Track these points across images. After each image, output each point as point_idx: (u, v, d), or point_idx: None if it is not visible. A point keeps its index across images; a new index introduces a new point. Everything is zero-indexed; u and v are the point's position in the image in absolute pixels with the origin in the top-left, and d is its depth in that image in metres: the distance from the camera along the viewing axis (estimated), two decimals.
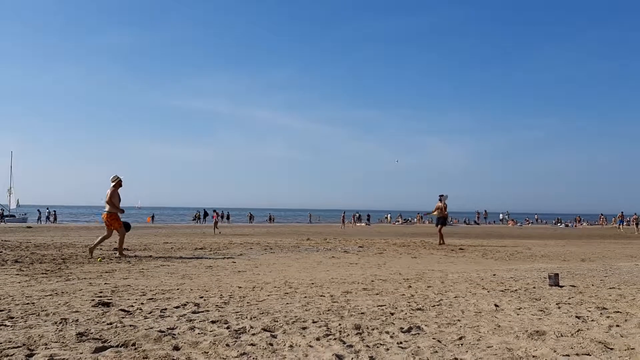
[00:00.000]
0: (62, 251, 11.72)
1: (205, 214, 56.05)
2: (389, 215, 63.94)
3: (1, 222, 47.44)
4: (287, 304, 5.16)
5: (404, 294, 5.85)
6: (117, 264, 9.28)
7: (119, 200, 10.94)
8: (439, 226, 17.55)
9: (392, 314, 4.65)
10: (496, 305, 5.08)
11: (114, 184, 10.88)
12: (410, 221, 62.86)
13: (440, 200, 17.84)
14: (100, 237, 10.98)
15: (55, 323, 4.15)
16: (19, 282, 6.66)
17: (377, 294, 5.84)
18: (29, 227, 33.75)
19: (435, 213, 18.00)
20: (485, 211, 63.89)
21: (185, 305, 4.98)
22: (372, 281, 7.08)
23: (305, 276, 7.72)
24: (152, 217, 58.77)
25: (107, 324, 4.11)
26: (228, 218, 58.33)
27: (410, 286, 6.59)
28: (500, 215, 68.49)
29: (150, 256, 10.99)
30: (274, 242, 17.37)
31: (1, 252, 11.38)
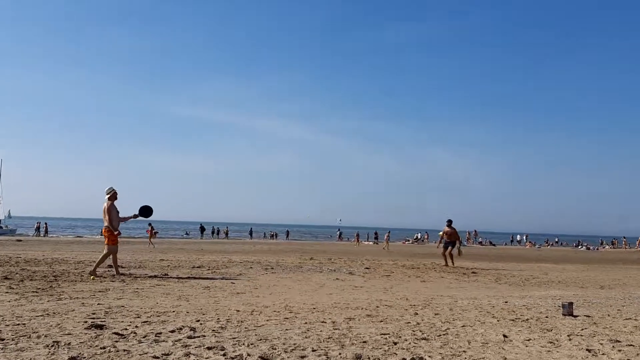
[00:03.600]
0: (53, 267, 11.87)
1: (202, 229, 56.26)
2: (387, 234, 63.49)
3: None
4: (287, 329, 5.26)
5: (409, 322, 5.93)
6: (111, 282, 9.40)
7: (118, 214, 10.98)
8: (449, 248, 17.81)
9: (396, 343, 4.74)
10: (505, 336, 5.16)
11: (109, 196, 10.90)
12: (419, 240, 62.72)
13: (448, 225, 18.23)
14: (102, 255, 11.03)
15: (47, 346, 4.27)
16: (9, 301, 6.79)
17: (381, 321, 5.93)
18: (19, 240, 33.99)
19: (444, 237, 18.33)
20: (475, 231, 63.63)
21: (181, 329, 5.09)
22: (377, 307, 7.16)
23: (307, 300, 7.81)
24: (155, 233, 58.98)
25: (100, 348, 4.23)
26: (226, 234, 58.53)
27: (416, 313, 6.67)
28: (518, 236, 68.26)
29: (146, 274, 11.11)
30: (275, 261, 17.45)
31: None
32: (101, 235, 11.30)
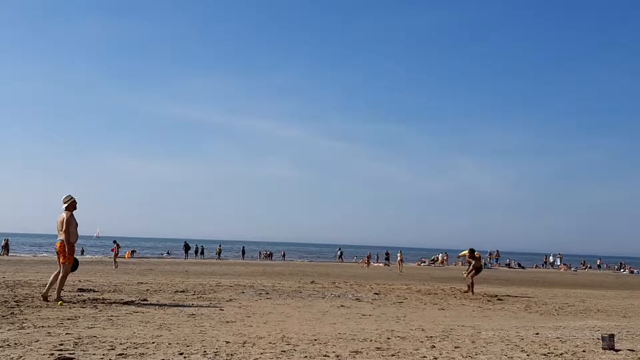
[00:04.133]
0: (15, 291, 11.88)
1: (187, 248, 56.30)
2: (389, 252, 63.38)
3: None
4: None
5: (425, 356, 5.92)
6: (81, 309, 9.40)
7: (77, 227, 10.70)
8: (472, 273, 17.66)
9: None
10: None
11: (66, 205, 10.60)
12: (436, 261, 62.64)
13: (471, 257, 18.23)
14: (53, 275, 10.71)
15: None
16: None
17: (392, 355, 5.92)
18: None
19: (463, 254, 18.38)
20: (497, 251, 63.50)
21: None
22: (388, 339, 7.14)
23: (307, 330, 7.80)
24: (132, 252, 59.07)
25: None
26: (202, 253, 58.53)
27: (433, 346, 6.66)
28: (551, 257, 68.12)
29: (121, 300, 11.11)
30: (271, 284, 17.43)
31: None
32: (55, 252, 10.90)
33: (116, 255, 32.81)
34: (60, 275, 10.48)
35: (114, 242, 34.59)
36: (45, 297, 10.36)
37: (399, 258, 43.38)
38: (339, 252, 65.73)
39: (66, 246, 10.47)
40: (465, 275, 18.32)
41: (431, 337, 7.46)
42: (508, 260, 64.98)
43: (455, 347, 6.62)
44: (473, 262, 18.14)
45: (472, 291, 17.26)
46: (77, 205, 10.76)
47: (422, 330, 8.20)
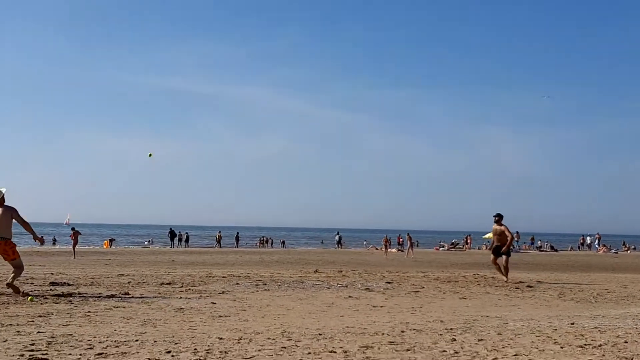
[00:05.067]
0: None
1: (173, 234, 56.53)
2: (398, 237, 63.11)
3: None
4: None
5: (445, 351, 5.95)
6: (55, 305, 9.47)
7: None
8: (503, 257, 17.29)
9: None
10: None
11: None
12: (457, 246, 62.83)
13: (496, 222, 17.70)
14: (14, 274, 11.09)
15: None
16: None
17: (407, 350, 5.95)
18: None
19: (489, 236, 18.04)
20: (517, 233, 63.50)
21: None
22: (403, 332, 7.18)
23: (311, 324, 7.85)
24: (111, 241, 59.31)
25: None
26: (187, 240, 58.73)
27: (454, 339, 6.69)
28: (588, 238, 68.22)
29: (100, 294, 11.18)
30: (269, 274, 17.51)
31: None
32: None
33: (75, 244, 32.95)
34: (16, 270, 11.05)
35: (72, 229, 34.69)
36: (25, 294, 10.71)
37: (409, 243, 43.45)
38: (337, 237, 65.61)
39: (11, 243, 11.04)
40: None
41: (451, 329, 7.49)
42: (539, 242, 65.16)
43: (479, 340, 6.65)
44: (494, 234, 17.65)
45: (506, 275, 17.00)
46: (5, 199, 11.08)
47: (441, 322, 8.24)
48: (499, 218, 17.65)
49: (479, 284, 15.55)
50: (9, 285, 10.87)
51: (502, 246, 17.34)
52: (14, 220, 11.08)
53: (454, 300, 11.77)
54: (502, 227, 17.58)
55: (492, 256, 17.56)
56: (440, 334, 7.04)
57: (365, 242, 71.69)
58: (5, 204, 11.06)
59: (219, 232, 63.09)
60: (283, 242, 67.88)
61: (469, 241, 64.89)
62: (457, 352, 5.87)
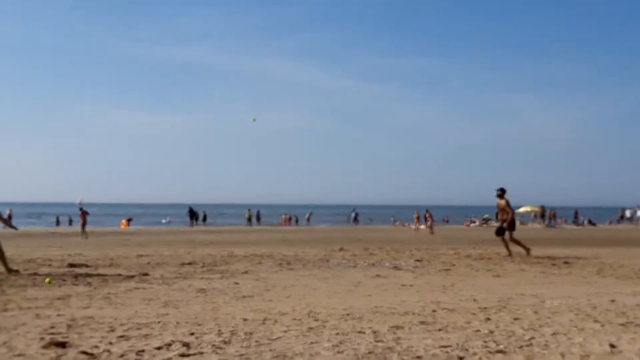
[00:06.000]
0: None
1: (192, 213, 56.88)
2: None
3: None
4: (312, 343, 5.33)
5: (479, 330, 5.96)
6: (74, 287, 9.61)
7: None
8: (509, 234, 17.38)
9: (461, 358, 4.78)
10: (612, 346, 5.16)
11: None
12: (489, 221, 62.56)
13: (498, 196, 17.72)
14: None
15: None
16: None
17: (440, 330, 5.97)
18: None
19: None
20: (543, 207, 62.75)
21: (170, 345, 5.20)
22: (434, 311, 7.20)
23: (338, 304, 7.89)
24: (129, 220, 59.76)
25: None
26: (204, 219, 59.02)
27: (488, 318, 6.70)
28: (628, 212, 67.54)
29: (119, 275, 11.32)
30: (293, 253, 17.59)
31: None
32: None
33: (84, 225, 33.30)
34: None
35: (80, 209, 35.02)
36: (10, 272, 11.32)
37: (429, 220, 43.29)
38: (353, 214, 65.41)
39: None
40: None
41: (485, 308, 7.50)
42: (573, 216, 64.67)
43: (515, 319, 6.65)
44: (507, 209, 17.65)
45: (509, 250, 17.10)
46: None
47: (474, 300, 8.24)
48: (501, 192, 17.59)
49: (513, 261, 15.49)
50: (8, 271, 11.33)
51: (504, 220, 17.41)
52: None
53: (487, 278, 11.76)
54: (503, 202, 17.54)
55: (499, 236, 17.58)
56: (474, 313, 7.05)
57: (392, 219, 71.61)
58: None
59: (249, 210, 63.09)
60: (308, 219, 67.45)
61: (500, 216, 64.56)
62: (491, 332, 5.88)
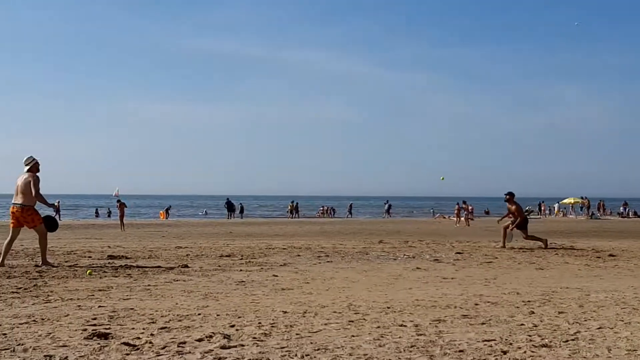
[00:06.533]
0: (36, 260, 12.37)
1: (230, 205, 57.30)
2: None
3: None
4: (353, 336, 5.35)
5: (522, 324, 5.93)
6: (114, 278, 9.76)
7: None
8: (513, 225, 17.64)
9: (505, 352, 4.76)
10: None
11: (29, 167, 11.74)
12: (531, 213, 61.87)
13: (507, 201, 18.05)
14: (6, 243, 11.71)
15: None
16: None
17: (483, 324, 5.95)
18: None
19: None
20: (587, 199, 61.65)
21: (210, 337, 5.26)
22: (476, 305, 7.17)
23: (378, 297, 7.90)
24: (167, 210, 60.37)
25: None
26: (242, 211, 59.29)
27: (532, 312, 6.65)
28: None
29: (159, 267, 11.47)
30: (331, 245, 17.64)
31: None
32: (10, 216, 12.22)
33: (122, 216, 33.74)
34: (40, 238, 11.65)
35: (118, 201, 35.49)
36: (45, 263, 11.51)
37: (461, 209, 42.92)
38: (386, 206, 65.01)
39: (33, 210, 11.63)
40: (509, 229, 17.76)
41: (529, 301, 7.45)
42: (622, 208, 63.72)
43: (560, 313, 6.60)
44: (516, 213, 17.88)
45: (504, 244, 17.31)
46: (39, 168, 11.87)
47: (517, 294, 8.19)
48: (510, 197, 17.88)
49: (556, 254, 15.36)
50: (43, 263, 11.53)
51: (520, 223, 17.64)
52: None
53: (530, 270, 11.67)
54: (514, 207, 17.81)
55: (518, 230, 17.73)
56: (517, 307, 7.01)
57: (432, 210, 71.30)
58: (35, 172, 11.76)
59: (292, 201, 63.18)
60: (350, 209, 67.08)
61: (542, 208, 64.01)
62: (536, 326, 5.84)
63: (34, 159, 11.83)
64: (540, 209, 63.85)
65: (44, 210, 12.33)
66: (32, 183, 11.51)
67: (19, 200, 11.55)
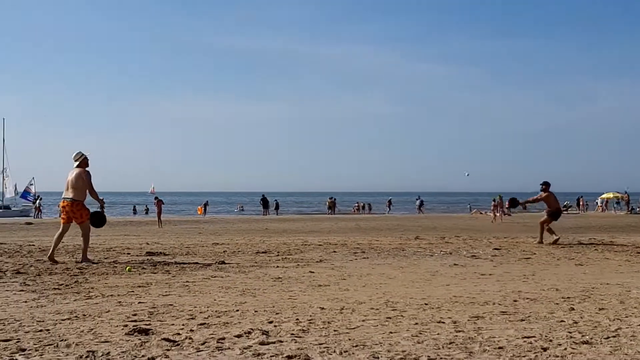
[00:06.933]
0: (76, 257, 12.57)
1: (265, 201, 57.55)
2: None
3: None
4: (391, 332, 5.36)
5: (562, 320, 5.89)
6: (153, 275, 9.88)
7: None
8: (544, 218, 17.57)
9: (546, 349, 4.73)
10: None
11: (78, 162, 11.99)
12: (569, 208, 61.20)
13: (543, 191, 17.92)
14: (56, 236, 11.99)
15: (81, 357, 4.59)
16: (26, 301, 7.29)
17: (522, 320, 5.92)
18: (29, 223, 36.17)
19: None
20: (627, 193, 60.38)
21: (249, 333, 5.31)
22: (515, 301, 7.14)
23: (415, 293, 7.89)
24: (205, 205, 60.63)
25: (148, 359, 4.50)
26: (277, 208, 59.40)
27: (572, 308, 6.61)
28: None
29: (196, 263, 11.59)
30: (367, 242, 17.64)
31: None
32: (60, 212, 12.53)
33: (159, 213, 34.04)
34: (83, 235, 11.86)
35: (156, 198, 35.86)
36: (85, 260, 11.64)
37: (496, 205, 42.47)
38: (418, 202, 64.54)
39: (82, 205, 11.88)
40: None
41: (568, 297, 7.39)
42: None
43: (600, 309, 6.54)
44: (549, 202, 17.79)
45: (541, 239, 17.12)
46: (89, 163, 12.14)
47: (557, 290, 8.13)
48: (545, 186, 17.83)
49: (596, 249, 15.18)
50: (83, 260, 11.69)
51: (554, 211, 17.54)
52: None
53: (570, 266, 11.55)
54: (547, 196, 17.75)
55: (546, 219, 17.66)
56: (557, 303, 6.97)
57: (469, 206, 70.85)
58: (84, 167, 12.03)
59: (331, 197, 63.21)
60: (389, 204, 66.64)
61: (581, 203, 63.24)
62: (576, 322, 5.79)
63: (82, 154, 12.06)
64: (578, 204, 63.17)
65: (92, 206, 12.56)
66: (85, 178, 11.80)
67: (69, 194, 11.79)
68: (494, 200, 45.10)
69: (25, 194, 59.63)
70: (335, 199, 63.27)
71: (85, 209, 11.95)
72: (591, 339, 5.07)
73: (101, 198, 12.31)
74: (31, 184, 59.77)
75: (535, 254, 13.95)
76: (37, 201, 55.46)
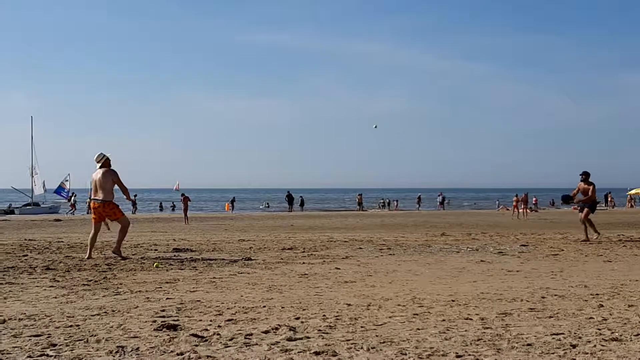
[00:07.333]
0: (105, 253, 12.71)
1: (290, 198, 57.68)
2: None
3: (13, 213, 51.65)
4: (418, 329, 5.36)
5: (591, 317, 5.85)
6: (180, 271, 9.96)
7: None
8: (585, 210, 17.30)
9: (574, 346, 4.70)
10: None
11: (101, 163, 12.23)
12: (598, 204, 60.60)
13: (583, 181, 17.65)
14: (91, 237, 12.21)
15: (110, 352, 4.65)
16: (55, 297, 7.40)
17: (550, 317, 5.89)
18: (58, 220, 36.56)
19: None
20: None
21: (276, 329, 5.34)
22: (543, 298, 7.10)
23: (442, 290, 7.88)
24: (232, 202, 60.72)
25: (177, 355, 4.55)
26: (302, 204, 59.47)
27: (601, 305, 6.56)
28: None
29: (223, 259, 11.66)
30: (393, 238, 17.64)
31: (26, 255, 12.55)
32: (92, 212, 12.80)
33: (185, 210, 34.27)
34: (121, 228, 12.21)
35: (182, 195, 36.12)
36: (117, 252, 11.94)
37: (534, 199, 42.15)
38: (440, 198, 64.19)
39: (114, 204, 12.21)
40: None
41: (597, 294, 7.34)
42: None
43: (629, 306, 6.49)
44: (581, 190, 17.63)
45: (587, 235, 16.86)
46: (111, 163, 12.33)
47: (585, 286, 8.07)
48: (585, 176, 17.61)
49: (625, 246, 15.04)
50: (116, 251, 11.95)
51: (590, 203, 17.36)
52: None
53: (598, 263, 11.45)
54: (589, 187, 17.50)
55: (580, 215, 17.45)
56: (585, 300, 6.92)
57: (497, 202, 70.51)
58: (108, 167, 12.24)
59: (360, 194, 63.29)
60: (419, 201, 66.08)
61: (609, 199, 62.61)
62: (605, 319, 5.75)
63: (104, 155, 12.25)
64: (606, 200, 62.55)
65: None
66: (114, 177, 12.07)
67: (99, 196, 12.03)
68: (516, 196, 44.70)
69: (59, 190, 60.20)
70: (361, 194, 63.29)
71: (116, 206, 12.21)
72: (620, 335, 5.03)
73: (132, 196, 12.52)
74: (66, 180, 60.16)
75: (563, 250, 13.85)
76: (72, 197, 55.98)
